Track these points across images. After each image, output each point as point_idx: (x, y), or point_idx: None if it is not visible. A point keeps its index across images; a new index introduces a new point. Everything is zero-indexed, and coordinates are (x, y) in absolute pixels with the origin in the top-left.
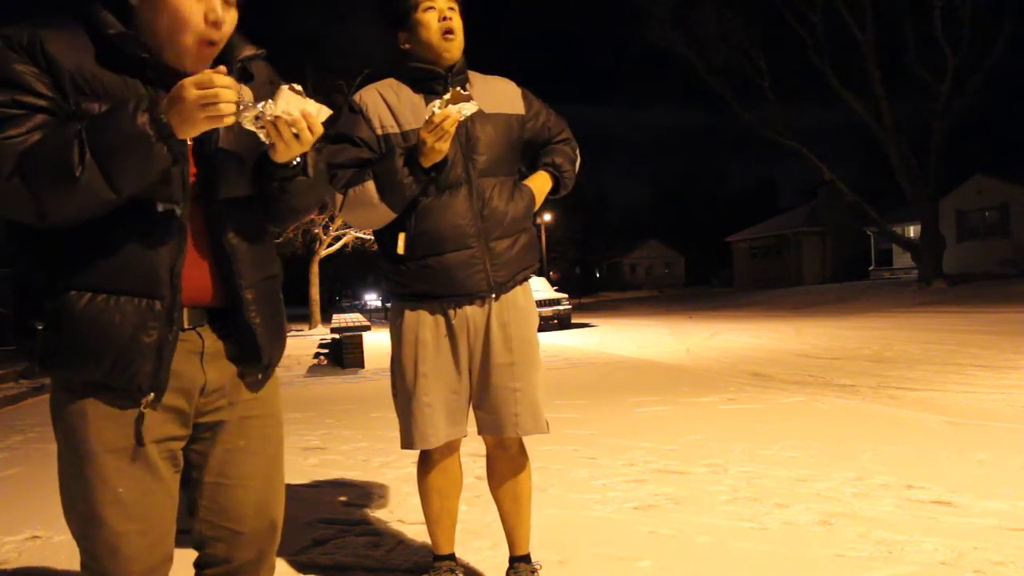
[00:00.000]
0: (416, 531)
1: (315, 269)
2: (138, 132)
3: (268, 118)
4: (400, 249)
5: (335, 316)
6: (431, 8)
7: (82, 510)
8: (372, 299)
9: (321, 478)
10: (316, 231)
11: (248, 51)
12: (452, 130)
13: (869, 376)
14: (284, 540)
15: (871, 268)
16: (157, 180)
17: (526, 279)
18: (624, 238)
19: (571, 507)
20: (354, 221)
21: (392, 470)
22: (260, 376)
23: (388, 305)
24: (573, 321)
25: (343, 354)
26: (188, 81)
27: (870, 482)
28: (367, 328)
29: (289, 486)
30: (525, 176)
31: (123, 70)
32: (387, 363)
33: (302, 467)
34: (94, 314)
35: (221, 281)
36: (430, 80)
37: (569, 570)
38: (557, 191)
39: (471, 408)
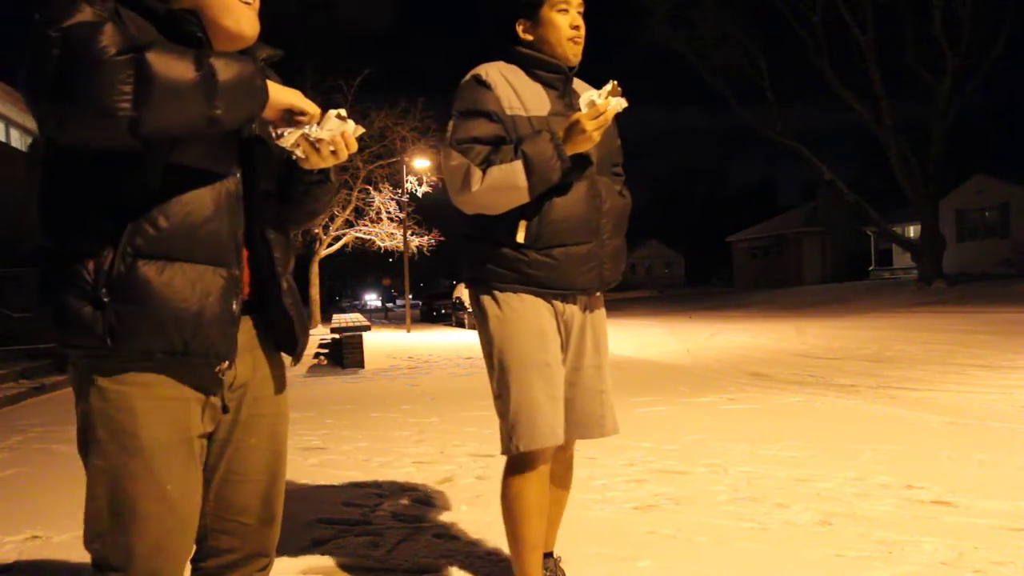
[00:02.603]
0: (416, 531)
1: (315, 269)
2: (248, 65)
3: (311, 140)
4: (520, 237)
5: (335, 316)
6: (564, 11)
7: (127, 509)
8: (372, 299)
9: (321, 478)
10: (316, 231)
11: (266, 52)
12: (610, 120)
13: (869, 376)
14: (284, 540)
15: (871, 268)
16: (233, 122)
17: (610, 285)
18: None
19: (571, 507)
20: (484, 201)
21: (392, 470)
22: (291, 365)
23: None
24: None
25: (343, 354)
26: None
27: (870, 482)
28: (367, 328)
29: (289, 486)
30: None
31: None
32: (387, 363)
33: (302, 467)
34: (167, 282)
35: (255, 271)
36: (552, 73)
37: (569, 570)
38: None
39: None
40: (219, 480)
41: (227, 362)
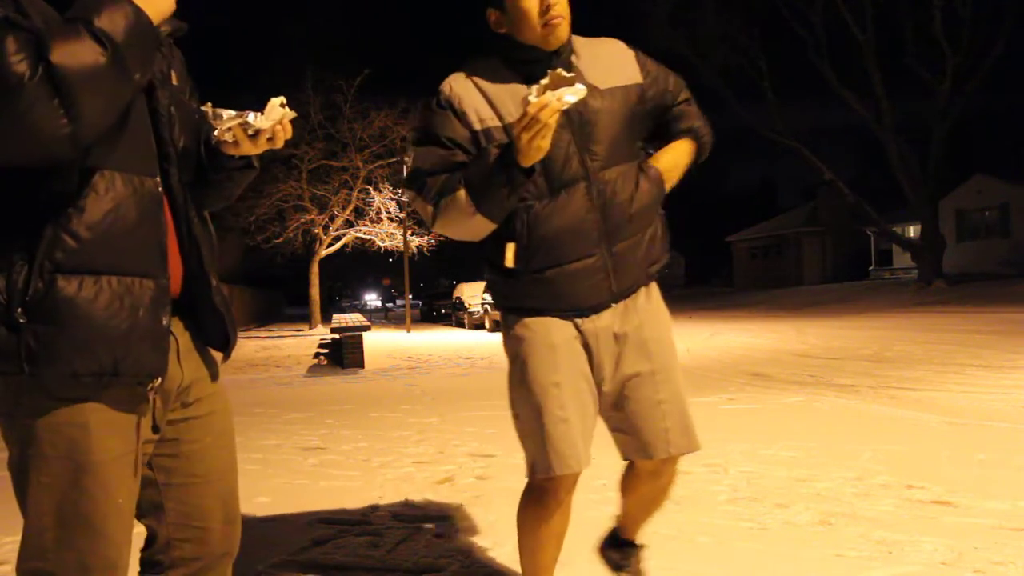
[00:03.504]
0: (416, 531)
1: (315, 269)
2: (127, 6)
3: (251, 131)
4: (509, 262)
5: (335, 316)
6: None
7: (79, 526)
8: (372, 299)
9: (321, 478)
10: (316, 231)
11: (168, 26)
12: (553, 123)
13: (869, 376)
14: (284, 540)
15: (871, 268)
16: (148, 70)
17: (653, 277)
18: None
19: (571, 507)
20: (452, 234)
21: (392, 470)
22: (221, 362)
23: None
24: None
25: (343, 354)
26: None
27: (870, 482)
28: (367, 328)
29: (289, 486)
30: (648, 152)
31: None
32: (387, 363)
33: (302, 467)
34: (92, 298)
35: (185, 270)
36: (531, 63)
37: (569, 570)
38: (698, 158)
39: (610, 431)
40: (179, 485)
41: (159, 379)
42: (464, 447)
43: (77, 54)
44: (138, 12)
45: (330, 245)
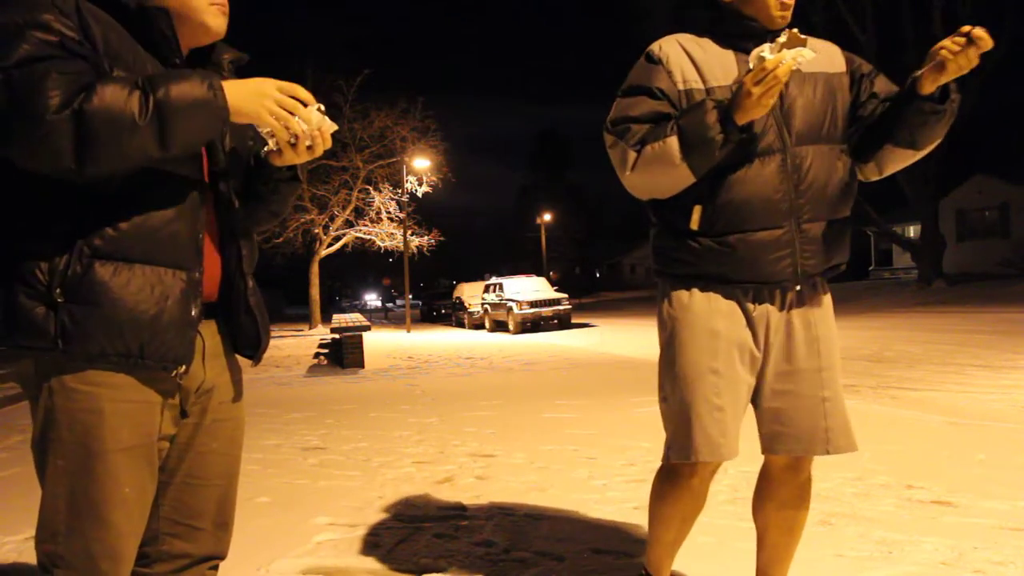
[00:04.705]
0: (416, 531)
1: (315, 269)
2: (204, 94)
3: (294, 133)
4: (694, 223)
5: (335, 316)
6: None
7: (86, 512)
8: (372, 299)
9: (321, 478)
10: (316, 231)
11: (230, 54)
12: (785, 80)
13: (869, 376)
14: (284, 540)
15: (871, 268)
16: (190, 151)
17: (833, 274)
18: (624, 238)
19: (571, 507)
20: (644, 184)
21: (392, 470)
22: (252, 365)
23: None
24: (573, 321)
25: (343, 354)
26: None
27: (870, 482)
28: (367, 328)
29: (289, 486)
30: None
31: (144, 47)
32: (386, 363)
33: (302, 467)
34: (124, 284)
35: (223, 271)
36: (746, 37)
37: (569, 570)
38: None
39: (759, 422)
40: (178, 484)
41: (184, 367)
42: (464, 447)
43: (113, 110)
44: (213, 97)
45: (330, 245)
